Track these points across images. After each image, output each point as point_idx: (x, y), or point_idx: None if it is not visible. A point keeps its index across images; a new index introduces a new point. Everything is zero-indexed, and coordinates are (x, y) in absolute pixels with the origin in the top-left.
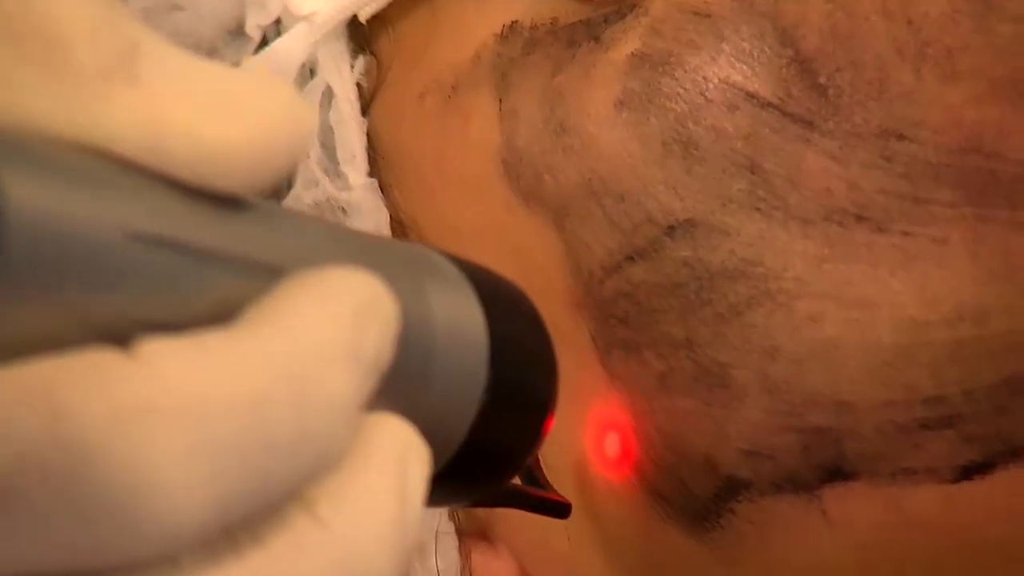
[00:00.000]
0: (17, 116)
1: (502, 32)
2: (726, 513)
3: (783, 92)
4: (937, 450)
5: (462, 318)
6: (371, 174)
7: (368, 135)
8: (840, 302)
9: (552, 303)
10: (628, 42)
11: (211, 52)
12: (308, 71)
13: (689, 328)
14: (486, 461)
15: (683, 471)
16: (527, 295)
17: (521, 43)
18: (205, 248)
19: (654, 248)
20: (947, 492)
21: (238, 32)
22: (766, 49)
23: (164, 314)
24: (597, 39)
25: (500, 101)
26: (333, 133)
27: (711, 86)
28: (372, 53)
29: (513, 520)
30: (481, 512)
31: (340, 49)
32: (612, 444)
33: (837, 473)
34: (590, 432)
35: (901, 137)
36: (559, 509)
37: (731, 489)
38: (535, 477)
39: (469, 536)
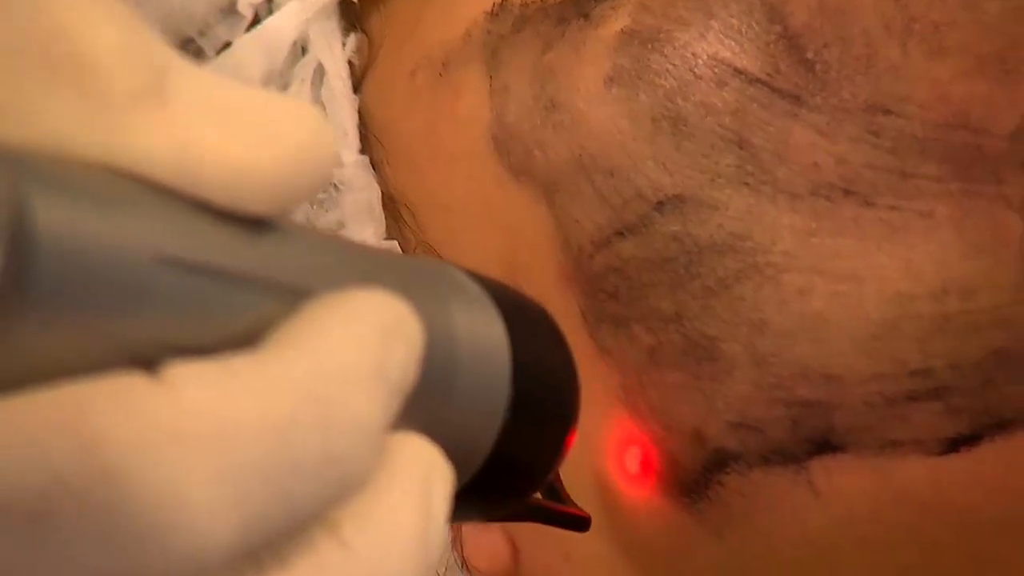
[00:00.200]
0: (47, 139)
1: (492, 10)
2: (715, 486)
3: (771, 68)
4: (924, 422)
5: (485, 336)
6: (362, 151)
7: (359, 112)
8: (827, 275)
9: (542, 278)
10: (617, 19)
11: (203, 30)
12: (300, 49)
13: (678, 302)
14: (508, 477)
15: (672, 444)
16: (547, 310)
17: (511, 20)
18: (232, 271)
19: (643, 223)
20: (934, 464)
21: (230, 10)
22: (754, 25)
23: (191, 337)
24: (587, 16)
25: (490, 78)
26: (325, 110)
27: (700, 62)
28: (363, 31)
29: None
30: None
31: (331, 27)
32: (601, 420)
33: (825, 445)
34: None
35: (888, 112)
36: (579, 523)
37: (720, 462)
38: (555, 490)
39: None
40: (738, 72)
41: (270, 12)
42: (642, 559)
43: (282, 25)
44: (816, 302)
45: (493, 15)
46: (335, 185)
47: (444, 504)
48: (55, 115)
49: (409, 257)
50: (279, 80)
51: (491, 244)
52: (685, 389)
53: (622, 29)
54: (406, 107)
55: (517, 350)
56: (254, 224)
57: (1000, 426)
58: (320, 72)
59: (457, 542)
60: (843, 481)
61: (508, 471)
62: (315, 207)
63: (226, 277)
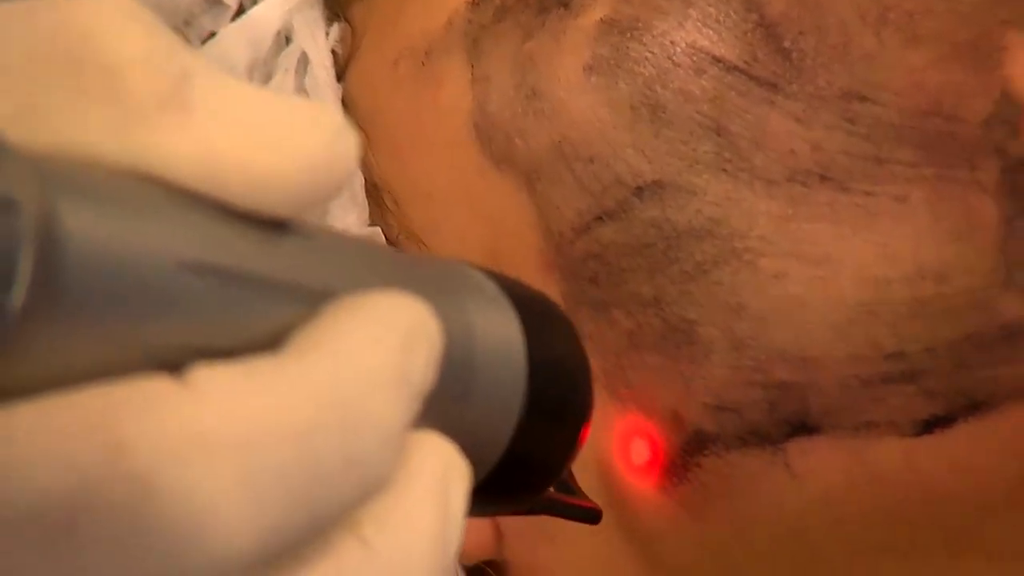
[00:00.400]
0: (73, 145)
1: (473, 0)
2: (693, 467)
3: (749, 56)
4: (898, 404)
5: (501, 335)
6: None
7: (343, 101)
8: (804, 260)
9: (523, 265)
10: (597, 8)
11: (188, 20)
12: (284, 38)
13: (657, 287)
14: (524, 473)
15: (651, 426)
16: (560, 308)
17: (492, 10)
18: (254, 274)
19: (623, 209)
20: (908, 445)
21: (215, 0)
22: (732, 14)
23: (214, 340)
24: (566, 5)
25: (472, 67)
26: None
27: (678, 51)
28: (346, 20)
29: None
30: None
31: (315, 16)
32: None
33: (801, 427)
34: None
35: (863, 99)
36: (591, 515)
37: (698, 444)
38: (566, 484)
39: None
40: (716, 60)
41: (254, 2)
42: (623, 540)
43: (266, 15)
44: (792, 286)
45: (474, 5)
46: None
47: (462, 501)
48: (81, 122)
49: (426, 257)
50: (263, 69)
51: (473, 231)
52: (664, 372)
53: (601, 18)
54: (389, 96)
55: (533, 348)
56: (275, 227)
57: (973, 408)
58: (304, 61)
59: None
60: (819, 462)
61: (524, 468)
62: None
63: (249, 280)
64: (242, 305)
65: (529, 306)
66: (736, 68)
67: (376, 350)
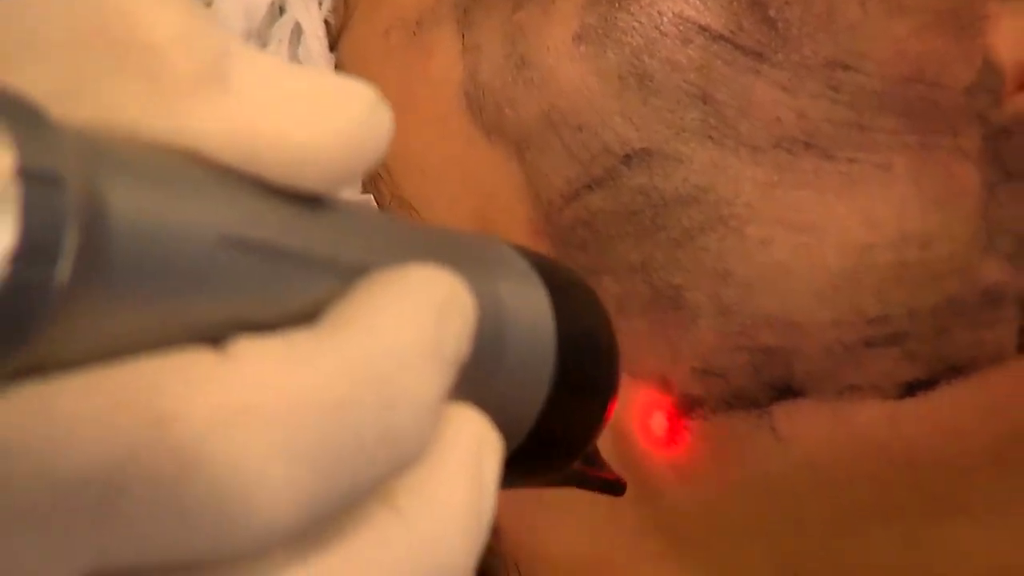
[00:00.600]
0: (113, 122)
1: None
2: (681, 431)
3: (734, 25)
4: (882, 368)
5: (531, 308)
6: None
7: (336, 71)
8: (789, 226)
9: (513, 233)
10: None
11: None
12: (277, 9)
13: (644, 253)
14: (552, 446)
15: (639, 390)
16: (587, 281)
17: None
18: (291, 249)
19: (611, 177)
20: (892, 408)
21: None
22: None
23: (253, 314)
24: None
25: (462, 37)
26: None
27: (665, 20)
28: None
29: None
30: None
31: None
32: None
33: (786, 391)
34: None
35: (847, 68)
36: (615, 487)
37: (685, 407)
38: (590, 456)
39: None
40: (702, 29)
41: None
42: (614, 504)
43: None
44: (778, 252)
45: None
46: None
47: (494, 473)
48: (121, 99)
49: (456, 232)
50: (257, 40)
51: (463, 199)
52: (651, 337)
53: None
54: (381, 66)
55: (561, 322)
56: (310, 202)
57: (955, 371)
58: (297, 32)
59: None
60: (804, 425)
61: (552, 440)
62: None
63: (286, 255)
64: (279, 279)
65: (557, 280)
66: (722, 37)
67: (411, 323)
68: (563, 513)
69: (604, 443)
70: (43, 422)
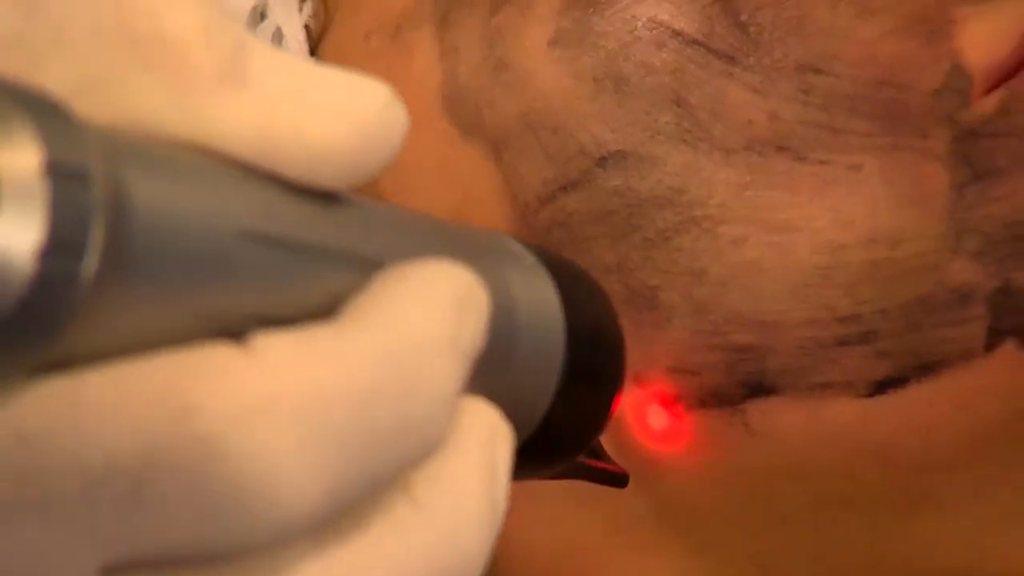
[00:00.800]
0: (133, 117)
1: None
2: (657, 427)
3: (707, 29)
4: (853, 365)
5: (541, 303)
6: None
7: None
8: (762, 226)
9: None
10: None
11: None
12: (259, 14)
13: (620, 254)
14: (561, 438)
15: None
16: (595, 278)
17: None
18: (310, 243)
19: (587, 178)
20: (863, 405)
21: None
22: None
23: (272, 308)
24: None
25: (441, 40)
26: None
27: (639, 24)
28: None
29: None
30: None
31: None
32: None
33: (759, 388)
34: None
35: (818, 71)
36: (618, 479)
37: (661, 405)
38: (594, 449)
39: None
40: (676, 34)
41: None
42: (593, 496)
43: None
44: (751, 252)
45: None
46: None
47: (507, 464)
48: (142, 95)
49: (466, 227)
50: None
51: (442, 200)
52: (627, 336)
53: None
54: (361, 69)
55: (570, 317)
56: (327, 197)
57: (925, 368)
58: (278, 36)
59: None
60: (777, 421)
61: (561, 432)
62: None
63: (305, 249)
64: (298, 273)
65: (564, 274)
66: (695, 41)
67: (430, 317)
68: (534, 505)
69: None
70: (69, 415)
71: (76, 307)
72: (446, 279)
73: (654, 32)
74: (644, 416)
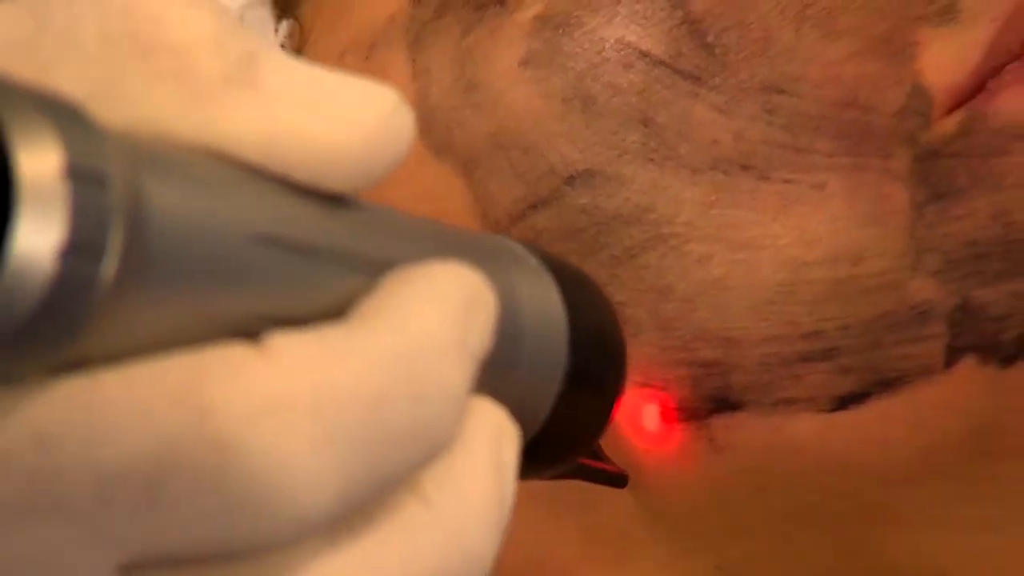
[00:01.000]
0: (144, 122)
1: None
2: (621, 441)
3: (674, 51)
4: (816, 381)
5: (545, 305)
6: None
7: None
8: (726, 244)
9: None
10: (531, 5)
11: None
12: None
13: (588, 270)
14: (562, 441)
15: None
16: (596, 282)
17: (433, 7)
18: (320, 246)
19: (556, 196)
20: (825, 420)
21: None
22: (658, 11)
23: (284, 309)
24: (503, 3)
25: (413, 61)
26: None
27: (607, 46)
28: (295, 18)
29: None
30: None
31: (265, 14)
32: None
33: (725, 403)
34: None
35: (782, 92)
36: (617, 479)
37: (626, 420)
38: (594, 450)
39: None
40: (643, 55)
41: None
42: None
43: None
44: (716, 269)
45: (416, 2)
46: None
47: (513, 464)
48: (151, 101)
49: (470, 230)
50: None
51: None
52: None
53: (536, 15)
54: None
55: (573, 319)
56: (335, 201)
57: (886, 384)
58: None
59: None
60: (741, 436)
61: (563, 434)
62: None
63: (315, 252)
64: (309, 275)
65: (568, 279)
66: (662, 62)
67: (439, 318)
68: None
69: None
70: (86, 414)
71: (95, 308)
72: (454, 280)
73: (622, 53)
74: (613, 431)
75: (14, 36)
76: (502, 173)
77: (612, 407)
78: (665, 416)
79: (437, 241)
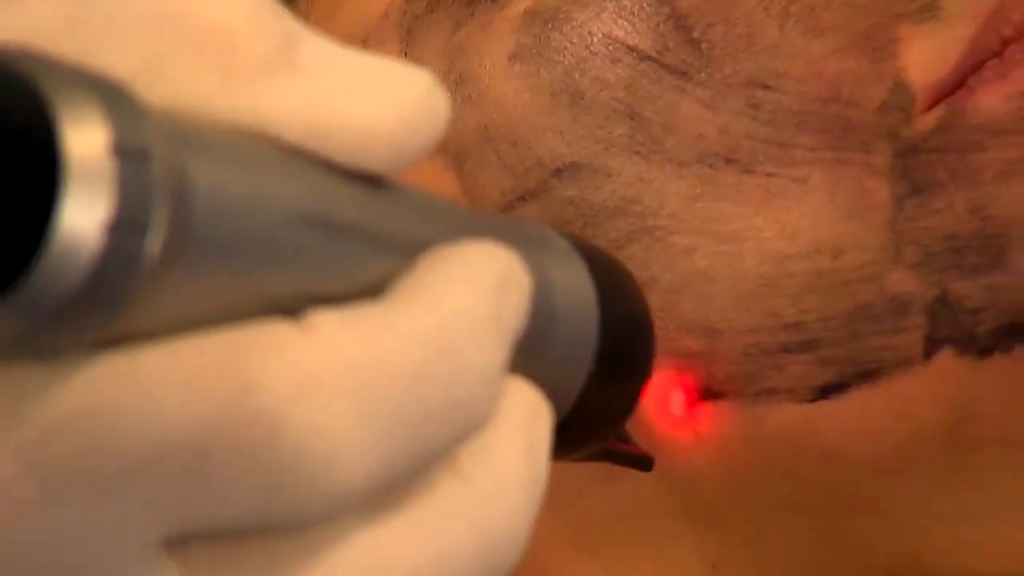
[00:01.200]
0: (185, 102)
1: None
2: None
3: (661, 46)
4: (797, 372)
5: (576, 288)
6: None
7: None
8: (711, 237)
9: None
10: (521, 0)
11: None
12: None
13: None
14: (593, 421)
15: None
16: (625, 265)
17: (425, 2)
18: (359, 226)
19: (543, 189)
20: (806, 410)
21: None
22: (645, 6)
23: (323, 287)
24: None
25: (405, 55)
26: None
27: (595, 40)
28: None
29: None
30: None
31: None
32: None
33: (707, 393)
34: None
35: (767, 87)
36: (643, 462)
37: None
38: (621, 433)
39: None
40: (630, 50)
41: None
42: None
43: None
44: (700, 261)
45: None
46: None
47: (546, 443)
48: (192, 82)
49: (500, 214)
50: None
51: None
52: None
53: (525, 9)
54: None
55: (603, 302)
56: (373, 181)
57: (865, 375)
58: None
59: None
60: (723, 426)
61: (593, 415)
62: None
63: (354, 231)
64: (349, 254)
65: (599, 262)
66: (649, 57)
67: (475, 296)
68: None
69: None
70: (131, 389)
71: (140, 283)
72: (489, 260)
73: (609, 48)
74: None
75: (56, 18)
76: (491, 166)
77: (641, 389)
78: (649, 406)
79: (470, 222)
